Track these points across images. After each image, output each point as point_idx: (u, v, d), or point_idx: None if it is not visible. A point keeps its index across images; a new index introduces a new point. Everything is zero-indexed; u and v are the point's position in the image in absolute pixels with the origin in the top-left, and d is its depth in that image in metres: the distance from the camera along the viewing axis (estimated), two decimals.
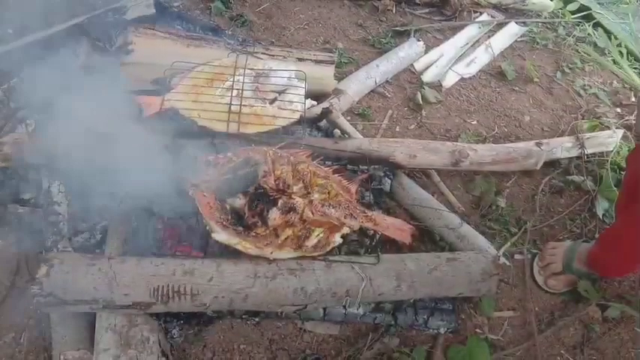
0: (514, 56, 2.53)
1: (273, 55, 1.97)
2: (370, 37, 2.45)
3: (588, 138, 2.02)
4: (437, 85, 2.27)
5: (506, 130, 2.15)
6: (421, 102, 2.15)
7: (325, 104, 1.90)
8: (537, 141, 1.97)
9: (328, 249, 1.36)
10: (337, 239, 1.38)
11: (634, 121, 2.18)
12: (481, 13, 2.70)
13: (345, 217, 1.42)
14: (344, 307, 1.39)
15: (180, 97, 1.66)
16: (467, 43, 2.51)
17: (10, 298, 1.36)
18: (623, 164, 1.96)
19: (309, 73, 1.84)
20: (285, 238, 1.33)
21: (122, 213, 1.43)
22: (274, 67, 1.85)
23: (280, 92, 1.79)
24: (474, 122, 2.16)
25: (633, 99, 2.40)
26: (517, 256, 1.71)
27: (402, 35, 2.47)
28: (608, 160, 1.97)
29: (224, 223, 1.32)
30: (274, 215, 1.33)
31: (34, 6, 1.62)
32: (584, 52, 2.59)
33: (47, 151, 1.41)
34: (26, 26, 1.70)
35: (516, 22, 2.67)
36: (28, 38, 1.69)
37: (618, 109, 2.33)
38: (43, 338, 1.33)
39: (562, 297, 1.63)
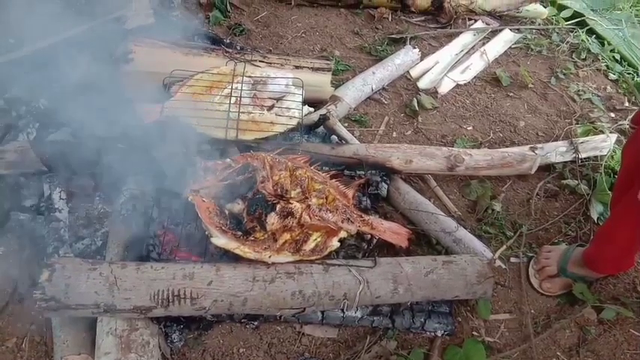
0: (509, 63, 2.56)
1: (270, 63, 2.00)
2: (366, 45, 2.48)
3: (582, 142, 2.05)
4: (433, 92, 2.30)
5: (501, 135, 2.18)
6: (417, 108, 2.18)
7: (322, 111, 1.93)
8: (532, 146, 2.00)
9: (326, 253, 1.38)
10: (335, 243, 1.40)
11: (627, 125, 2.20)
12: (476, 21, 2.74)
13: (342, 222, 1.44)
14: (342, 310, 1.40)
15: (180, 104, 1.69)
16: (462, 50, 2.54)
17: (12, 304, 1.38)
18: (617, 168, 1.98)
19: (306, 80, 1.87)
20: (284, 243, 1.35)
21: (122, 219, 1.45)
22: (272, 74, 1.88)
23: (278, 99, 1.82)
24: (470, 128, 2.19)
25: (627, 104, 2.43)
26: (513, 260, 1.73)
27: (397, 43, 2.51)
28: (602, 164, 1.99)
29: (223, 227, 1.34)
30: (272, 220, 1.35)
31: (34, 15, 1.64)
32: (578, 58, 2.63)
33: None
34: (27, 36, 1.73)
35: (511, 29, 2.71)
36: (30, 48, 1.72)
37: (612, 114, 2.35)
38: (45, 343, 1.34)
39: (558, 299, 1.64)
